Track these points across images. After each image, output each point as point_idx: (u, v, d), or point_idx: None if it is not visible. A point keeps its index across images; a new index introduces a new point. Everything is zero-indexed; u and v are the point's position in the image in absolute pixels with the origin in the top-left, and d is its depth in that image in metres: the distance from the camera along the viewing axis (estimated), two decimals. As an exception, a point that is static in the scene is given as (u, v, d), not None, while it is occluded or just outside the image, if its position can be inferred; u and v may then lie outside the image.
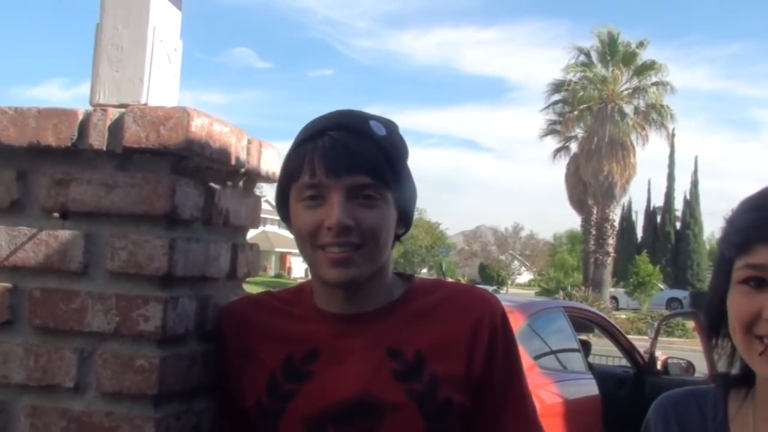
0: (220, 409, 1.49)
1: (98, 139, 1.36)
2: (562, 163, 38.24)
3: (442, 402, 1.38)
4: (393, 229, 1.43)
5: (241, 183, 1.62)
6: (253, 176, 1.63)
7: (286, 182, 1.42)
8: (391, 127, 1.46)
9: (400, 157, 1.44)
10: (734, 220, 1.16)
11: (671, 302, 36.84)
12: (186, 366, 1.40)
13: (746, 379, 1.19)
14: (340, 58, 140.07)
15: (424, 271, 54.50)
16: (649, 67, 36.56)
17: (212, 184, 1.50)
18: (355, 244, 1.36)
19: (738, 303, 1.12)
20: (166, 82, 1.55)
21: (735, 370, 1.21)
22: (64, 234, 1.37)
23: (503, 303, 1.51)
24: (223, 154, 1.47)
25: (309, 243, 1.38)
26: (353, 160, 1.36)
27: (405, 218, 1.46)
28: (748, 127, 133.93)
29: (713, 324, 1.19)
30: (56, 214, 1.39)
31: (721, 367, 1.23)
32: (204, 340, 1.46)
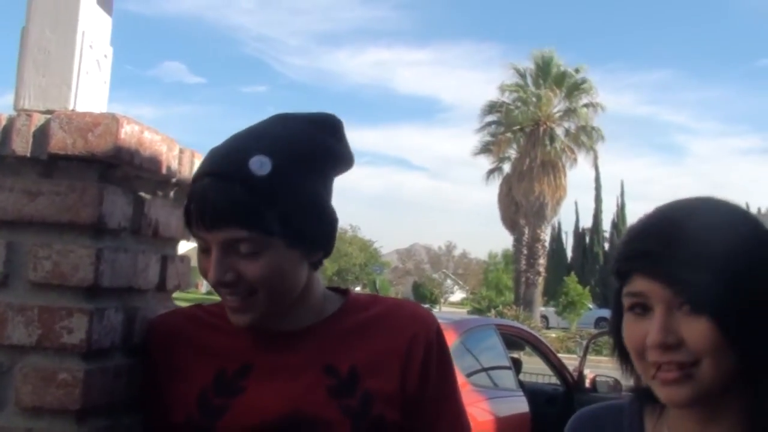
0: (148, 425, 1.45)
1: (22, 145, 1.32)
2: (495, 184, 38.82)
3: (375, 419, 1.36)
4: (293, 268, 1.34)
5: (172, 193, 1.58)
6: (185, 187, 1.59)
7: (186, 221, 1.37)
8: (281, 156, 1.31)
9: (292, 193, 1.31)
10: (616, 251, 1.20)
11: (600, 321, 37.44)
12: (111, 380, 1.36)
13: None
14: (274, 75, 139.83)
15: (358, 288, 54.41)
16: (580, 87, 37.41)
17: (142, 194, 1.46)
18: (246, 292, 1.32)
19: (628, 331, 1.15)
20: (95, 88, 1.51)
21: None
22: (-16, 243, 1.31)
23: None
24: (153, 162, 1.44)
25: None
26: (221, 215, 1.28)
27: (319, 247, 1.39)
28: (672, 152, 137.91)
29: (621, 349, 1.22)
30: (-24, 223, 1.33)
31: (637, 382, 1.24)
32: (131, 354, 1.42)
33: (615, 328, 1.20)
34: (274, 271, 1.31)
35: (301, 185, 1.33)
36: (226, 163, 1.31)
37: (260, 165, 1.29)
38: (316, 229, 1.36)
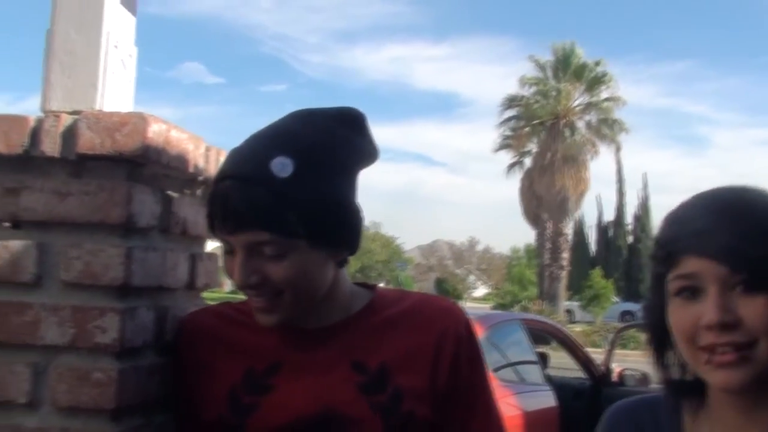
0: (180, 423, 1.45)
1: (51, 146, 1.32)
2: (516, 178, 38.70)
3: (405, 415, 1.36)
4: (318, 268, 1.33)
5: (199, 191, 1.59)
6: (211, 184, 1.60)
7: (209, 223, 1.36)
8: (302, 156, 1.29)
9: (315, 193, 1.29)
10: (659, 236, 1.18)
11: (624, 315, 37.24)
12: (144, 379, 1.36)
13: (700, 387, 1.19)
14: (292, 74, 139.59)
15: (381, 285, 54.30)
16: (601, 80, 37.18)
17: (169, 192, 1.46)
18: (272, 293, 1.31)
19: (677, 316, 1.13)
20: (120, 88, 1.52)
21: (689, 378, 1.21)
22: (16, 244, 1.32)
23: None
24: (181, 161, 1.44)
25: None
26: (244, 218, 1.27)
27: (344, 246, 1.38)
28: (694, 143, 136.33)
29: (659, 339, 1.20)
30: (7, 224, 1.34)
31: (674, 375, 1.22)
32: (163, 352, 1.42)
33: (654, 317, 1.18)
34: (299, 272, 1.30)
35: (324, 185, 1.31)
36: (248, 165, 1.30)
37: (282, 167, 1.27)
38: (341, 229, 1.35)
